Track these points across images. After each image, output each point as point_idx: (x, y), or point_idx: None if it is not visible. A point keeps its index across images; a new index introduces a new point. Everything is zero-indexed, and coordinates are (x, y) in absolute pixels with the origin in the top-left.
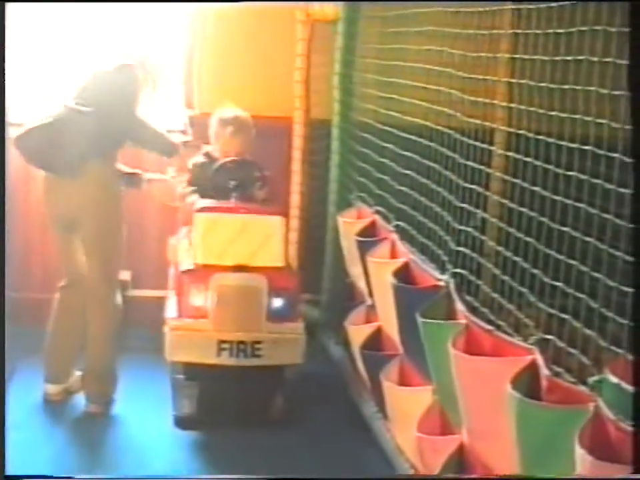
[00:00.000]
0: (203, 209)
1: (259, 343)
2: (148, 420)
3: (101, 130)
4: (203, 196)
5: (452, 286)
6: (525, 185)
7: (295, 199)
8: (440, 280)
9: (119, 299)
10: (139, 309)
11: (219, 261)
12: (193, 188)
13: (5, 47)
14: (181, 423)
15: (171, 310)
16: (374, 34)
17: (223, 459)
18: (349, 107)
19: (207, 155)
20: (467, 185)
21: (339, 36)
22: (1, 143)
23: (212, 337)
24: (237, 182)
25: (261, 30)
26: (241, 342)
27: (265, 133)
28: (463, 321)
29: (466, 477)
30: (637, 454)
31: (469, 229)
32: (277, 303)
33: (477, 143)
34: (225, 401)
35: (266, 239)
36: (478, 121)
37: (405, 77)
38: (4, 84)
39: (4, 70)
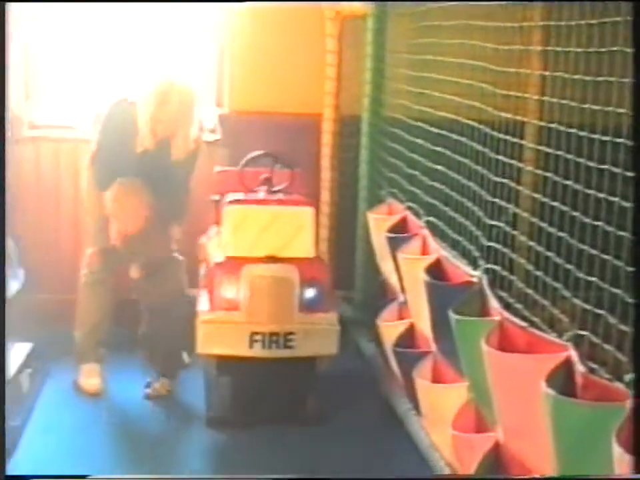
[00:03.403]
0: (233, 202)
1: (291, 334)
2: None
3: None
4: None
5: (484, 282)
6: (557, 178)
7: (325, 196)
8: (472, 276)
9: None
10: None
11: (250, 252)
12: None
13: (5, 47)
14: (215, 423)
15: (203, 303)
16: (404, 29)
17: (256, 459)
18: (379, 103)
19: None
20: (498, 179)
21: (369, 31)
22: (1, 142)
23: (244, 329)
24: (266, 175)
25: (291, 27)
26: (274, 333)
27: (295, 130)
28: (497, 318)
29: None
30: (638, 454)
31: (501, 224)
32: (309, 293)
33: (508, 137)
34: (258, 399)
35: (296, 230)
36: (509, 115)
37: (435, 71)
38: (4, 84)
39: (4, 70)
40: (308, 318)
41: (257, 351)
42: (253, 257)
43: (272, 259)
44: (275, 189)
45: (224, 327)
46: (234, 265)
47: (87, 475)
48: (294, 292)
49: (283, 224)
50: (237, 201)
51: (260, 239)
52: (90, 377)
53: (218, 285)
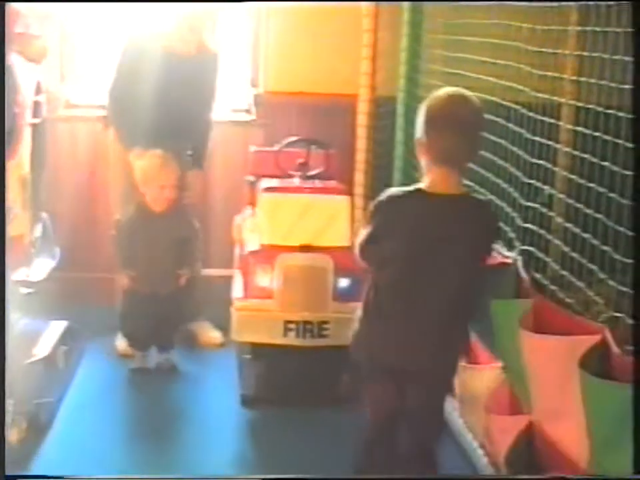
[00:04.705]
0: (268, 189)
1: (325, 323)
2: (215, 398)
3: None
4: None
5: (520, 263)
6: (595, 160)
7: (359, 177)
8: (508, 257)
9: None
10: (205, 287)
11: (285, 241)
12: None
13: (4, 47)
14: (248, 402)
15: (237, 290)
16: (441, 8)
17: (287, 437)
18: (415, 84)
19: None
20: (534, 160)
21: (406, 11)
22: (1, 141)
23: (278, 318)
24: (302, 160)
25: (327, 7)
26: (308, 322)
27: (330, 111)
28: (532, 299)
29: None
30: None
31: (537, 205)
32: (343, 282)
33: (545, 118)
34: (291, 381)
35: (331, 219)
36: (546, 96)
37: (472, 52)
38: (3, 83)
39: (4, 69)
40: (342, 307)
41: (291, 340)
42: (287, 246)
43: (306, 248)
44: (311, 173)
45: (258, 315)
46: (268, 253)
47: (88, 475)
48: (328, 281)
49: (318, 212)
50: (272, 189)
51: (295, 228)
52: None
53: (252, 273)
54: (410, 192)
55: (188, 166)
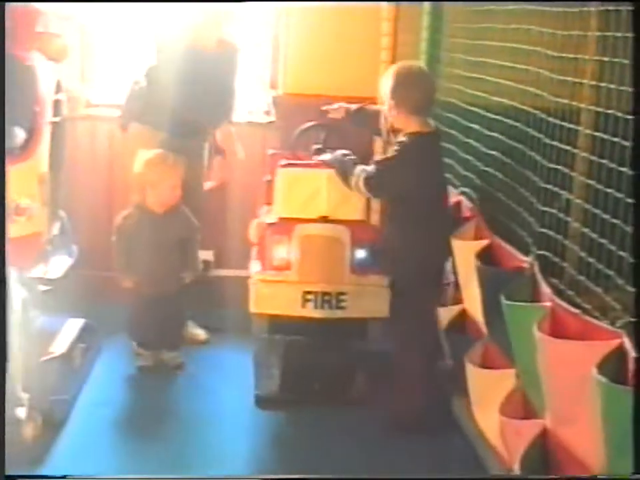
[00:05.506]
0: (286, 165)
1: (343, 294)
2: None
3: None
4: None
5: (537, 267)
6: (613, 165)
7: None
8: (525, 261)
9: None
10: (222, 288)
11: (302, 214)
12: None
13: (4, 47)
14: (264, 402)
15: (255, 265)
16: (461, 12)
17: (304, 437)
18: None
19: None
20: (552, 165)
21: (426, 15)
22: (1, 141)
23: (296, 288)
24: (320, 145)
25: (347, 10)
26: (326, 293)
27: None
28: (548, 304)
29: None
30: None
31: (554, 210)
32: (360, 254)
33: (564, 123)
34: (307, 375)
35: (347, 193)
36: (565, 101)
37: (491, 56)
38: (4, 82)
39: (4, 69)
40: (359, 279)
41: (310, 311)
42: (304, 218)
43: (324, 220)
44: None
45: (276, 286)
46: (286, 225)
47: (89, 475)
48: (345, 252)
49: (334, 187)
50: (290, 164)
51: (312, 201)
52: None
53: (270, 245)
54: (419, 137)
55: (211, 155)
